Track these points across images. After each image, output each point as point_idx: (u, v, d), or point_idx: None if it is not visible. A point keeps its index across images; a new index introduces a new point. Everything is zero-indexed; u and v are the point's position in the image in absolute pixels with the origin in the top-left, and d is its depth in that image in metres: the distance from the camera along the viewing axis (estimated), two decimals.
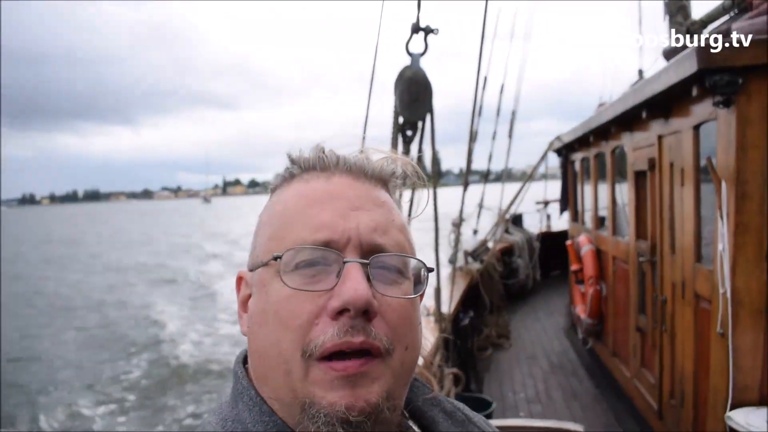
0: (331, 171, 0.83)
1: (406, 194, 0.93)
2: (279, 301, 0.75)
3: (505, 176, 11.88)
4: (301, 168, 0.85)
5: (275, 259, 0.76)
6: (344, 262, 0.75)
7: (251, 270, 0.84)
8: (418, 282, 0.84)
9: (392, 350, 0.75)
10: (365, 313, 0.73)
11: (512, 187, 11.33)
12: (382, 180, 0.85)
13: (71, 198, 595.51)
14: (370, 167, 0.84)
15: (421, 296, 0.84)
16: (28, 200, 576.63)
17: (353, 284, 0.72)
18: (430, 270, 0.85)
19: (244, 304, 0.85)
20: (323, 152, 0.84)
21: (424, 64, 3.52)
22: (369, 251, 0.77)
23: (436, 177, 3.93)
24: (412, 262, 0.83)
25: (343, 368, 0.71)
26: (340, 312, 0.72)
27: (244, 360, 0.87)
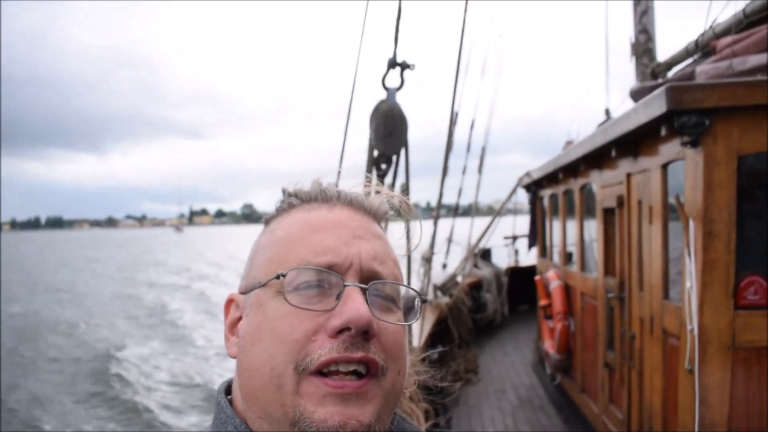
0: (333, 203, 0.87)
1: (399, 228, 0.97)
2: (277, 317, 0.77)
3: (474, 211, 11.97)
4: (301, 200, 0.88)
5: (278, 277, 0.78)
6: (345, 286, 0.77)
7: (244, 292, 0.85)
8: (411, 311, 0.86)
9: (386, 371, 0.76)
10: (365, 333, 0.74)
11: (481, 222, 11.42)
12: (378, 217, 0.90)
13: (33, 224, 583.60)
14: (369, 203, 0.88)
15: (411, 326, 0.87)
16: None
17: (355, 305, 0.75)
18: (424, 301, 0.90)
19: (232, 327, 0.86)
20: (323, 186, 0.88)
21: (399, 97, 3.56)
22: (368, 278, 0.80)
23: (409, 213, 3.92)
24: (407, 292, 0.87)
25: (340, 386, 0.72)
26: (340, 331, 0.74)
27: (227, 390, 0.87)
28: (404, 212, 0.95)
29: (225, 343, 0.87)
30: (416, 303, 0.88)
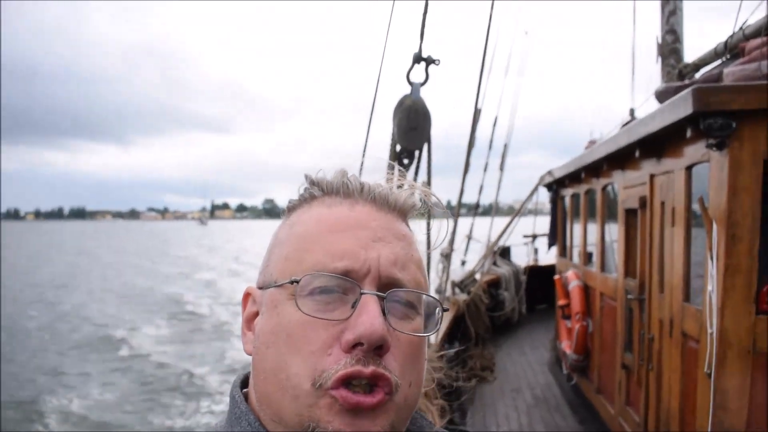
0: (355, 198, 0.83)
1: (422, 225, 0.92)
2: (291, 324, 0.75)
3: (495, 207, 11.94)
4: (323, 191, 0.84)
5: (292, 282, 0.76)
6: (361, 294, 0.75)
7: (261, 288, 0.83)
8: (431, 319, 0.83)
9: (399, 386, 0.74)
10: (378, 348, 0.73)
11: (501, 221, 11.38)
12: (404, 213, 0.85)
13: (57, 215, 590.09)
14: (393, 198, 0.84)
15: (431, 335, 0.84)
16: (12, 215, 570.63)
17: (369, 318, 0.72)
18: (445, 310, 0.85)
19: (249, 321, 0.85)
20: (347, 177, 0.84)
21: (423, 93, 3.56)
22: (386, 285, 0.77)
23: (434, 209, 3.93)
24: (426, 299, 0.82)
25: (355, 402, 0.71)
26: (354, 345, 0.72)
27: (243, 384, 0.86)
28: (427, 207, 0.89)
29: (242, 338, 0.85)
30: (437, 312, 0.83)
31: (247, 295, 0.87)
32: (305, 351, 0.73)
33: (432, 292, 0.85)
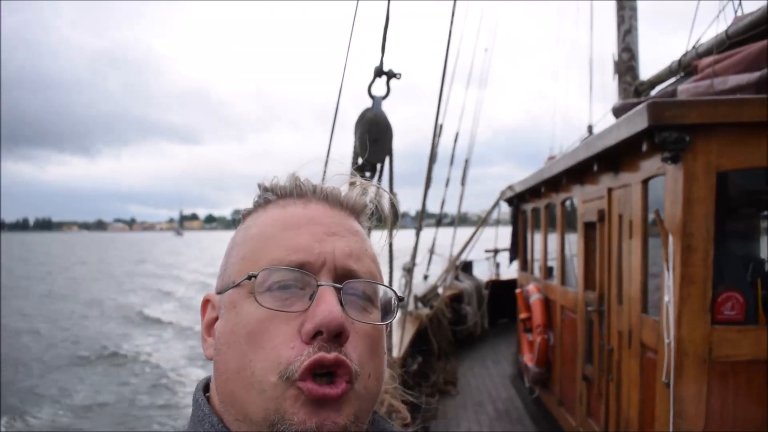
0: (308, 198, 0.84)
1: (381, 235, 0.95)
2: (251, 321, 0.75)
3: (457, 221, 12.02)
4: (277, 195, 0.86)
5: (249, 278, 0.76)
6: (318, 285, 0.75)
7: (220, 292, 0.83)
8: (388, 311, 0.84)
9: (359, 375, 0.75)
10: (338, 336, 0.73)
11: (465, 232, 11.45)
12: (356, 211, 0.87)
13: (21, 226, 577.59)
14: (345, 198, 0.86)
15: (389, 325, 0.85)
16: None
17: (327, 306, 0.73)
18: (400, 299, 0.86)
19: (209, 327, 0.84)
20: (299, 180, 0.86)
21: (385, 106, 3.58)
22: (342, 276, 0.78)
23: (394, 219, 3.94)
24: (382, 291, 0.84)
25: (321, 394, 0.71)
26: (314, 336, 0.73)
27: (205, 388, 0.86)
28: (383, 212, 0.92)
29: (202, 344, 0.85)
30: (393, 302, 0.85)
31: (206, 302, 0.87)
32: (267, 346, 0.73)
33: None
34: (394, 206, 0.95)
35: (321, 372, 0.72)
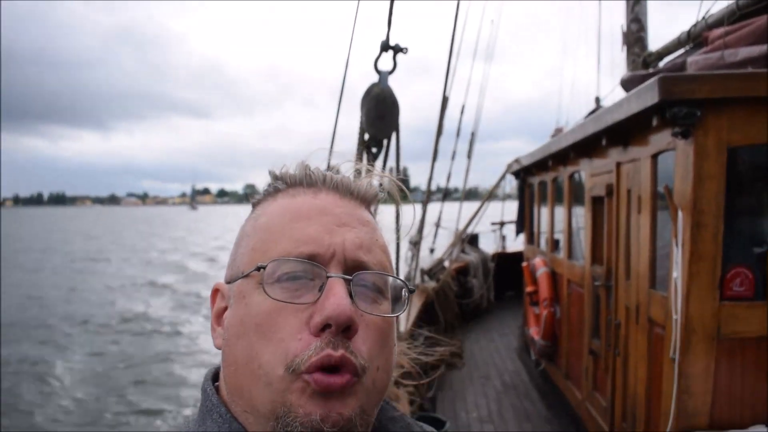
0: (318, 187, 0.83)
1: (390, 210, 0.94)
2: (260, 313, 0.75)
3: (464, 195, 11.99)
4: (286, 184, 0.85)
5: (258, 269, 0.76)
6: (327, 277, 0.75)
7: (229, 282, 0.83)
8: (398, 302, 0.83)
9: (367, 369, 0.74)
10: (346, 330, 0.72)
11: (471, 206, 11.43)
12: (366, 201, 0.86)
13: (36, 201, 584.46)
14: (356, 187, 0.85)
15: (398, 317, 0.84)
16: None
17: (336, 299, 0.72)
18: (411, 290, 0.86)
19: (218, 317, 0.84)
20: (309, 169, 0.85)
21: (392, 80, 3.54)
22: (352, 268, 0.77)
23: (400, 195, 3.92)
24: (393, 282, 0.83)
25: (326, 384, 0.71)
26: (323, 328, 0.72)
27: (214, 377, 0.86)
28: (393, 194, 0.91)
29: (211, 334, 0.85)
30: (403, 293, 0.85)
31: (215, 291, 0.87)
32: (275, 338, 0.73)
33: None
34: (401, 187, 0.94)
35: (328, 368, 0.71)
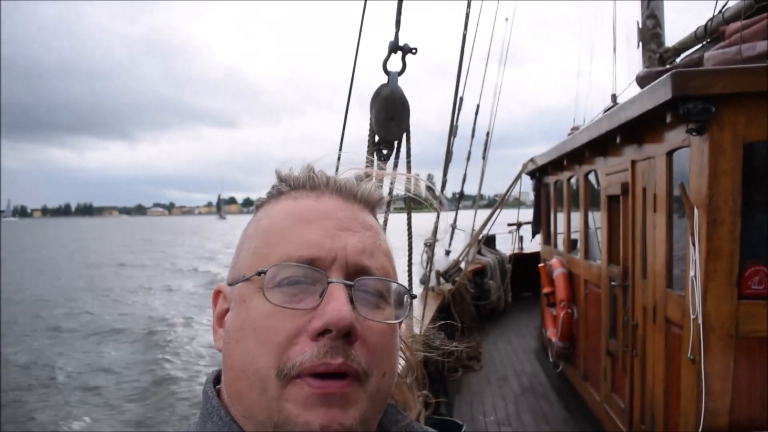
0: (321, 191, 0.83)
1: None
2: (259, 317, 0.74)
3: (478, 198, 11.93)
4: (290, 186, 0.85)
5: (259, 274, 0.75)
6: (328, 282, 0.74)
7: (231, 284, 0.82)
8: (400, 308, 0.82)
9: (370, 375, 0.73)
10: (347, 336, 0.71)
11: (485, 212, 11.38)
12: (370, 204, 0.85)
13: (64, 211, 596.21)
14: (360, 190, 0.84)
15: (401, 323, 0.83)
16: (19, 212, 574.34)
17: (337, 305, 0.71)
18: (413, 297, 0.84)
19: (220, 319, 0.84)
20: (313, 172, 0.84)
21: (406, 82, 3.51)
22: (354, 273, 0.76)
23: (411, 198, 3.91)
24: (395, 288, 0.82)
25: (321, 387, 0.69)
26: (322, 333, 0.71)
27: (216, 380, 0.85)
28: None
29: (213, 336, 0.85)
30: (405, 299, 0.83)
31: (217, 293, 0.86)
32: (271, 342, 0.72)
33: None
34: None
35: (325, 375, 0.70)
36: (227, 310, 0.82)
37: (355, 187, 0.84)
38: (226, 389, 0.79)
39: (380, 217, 0.91)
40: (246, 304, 0.76)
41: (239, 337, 0.76)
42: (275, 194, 0.85)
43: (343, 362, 0.70)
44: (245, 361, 0.74)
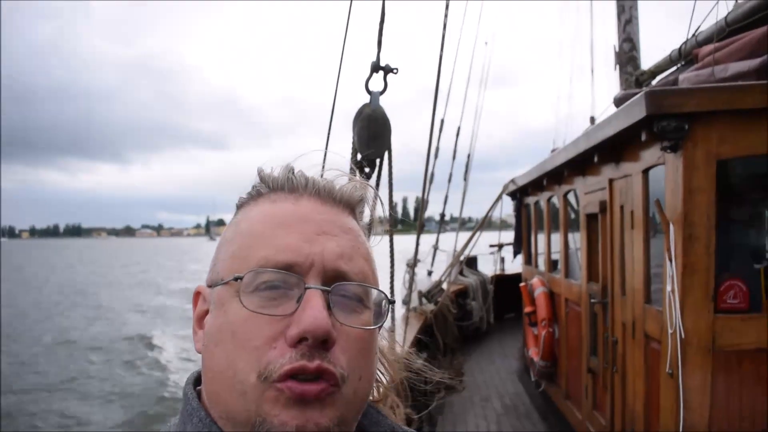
0: (300, 193, 0.82)
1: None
2: (237, 321, 0.74)
3: (460, 222, 11.99)
4: (269, 187, 0.84)
5: (236, 279, 0.75)
6: (306, 288, 0.74)
7: (210, 286, 0.82)
8: (379, 313, 0.82)
9: (347, 379, 0.73)
10: (323, 342, 0.71)
11: (467, 235, 11.44)
12: (350, 206, 0.85)
13: (52, 232, 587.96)
14: (339, 192, 0.83)
15: (380, 327, 0.83)
16: (7, 233, 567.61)
17: (313, 312, 0.71)
18: (391, 302, 0.84)
19: (200, 320, 0.84)
20: (292, 173, 0.83)
21: (388, 101, 3.55)
22: (332, 278, 0.76)
23: (393, 218, 3.95)
24: (374, 293, 0.81)
25: (300, 391, 0.70)
26: (299, 340, 0.71)
27: (196, 381, 0.85)
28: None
29: (193, 337, 0.84)
30: (383, 305, 0.83)
31: (197, 294, 0.86)
32: (249, 346, 0.72)
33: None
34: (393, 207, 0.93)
35: (303, 378, 0.71)
36: (207, 311, 0.82)
37: (335, 189, 0.83)
38: (206, 391, 0.79)
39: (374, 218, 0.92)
40: (224, 307, 0.76)
41: (218, 341, 0.75)
42: (254, 195, 0.85)
43: (319, 364, 0.70)
44: (224, 365, 0.74)
